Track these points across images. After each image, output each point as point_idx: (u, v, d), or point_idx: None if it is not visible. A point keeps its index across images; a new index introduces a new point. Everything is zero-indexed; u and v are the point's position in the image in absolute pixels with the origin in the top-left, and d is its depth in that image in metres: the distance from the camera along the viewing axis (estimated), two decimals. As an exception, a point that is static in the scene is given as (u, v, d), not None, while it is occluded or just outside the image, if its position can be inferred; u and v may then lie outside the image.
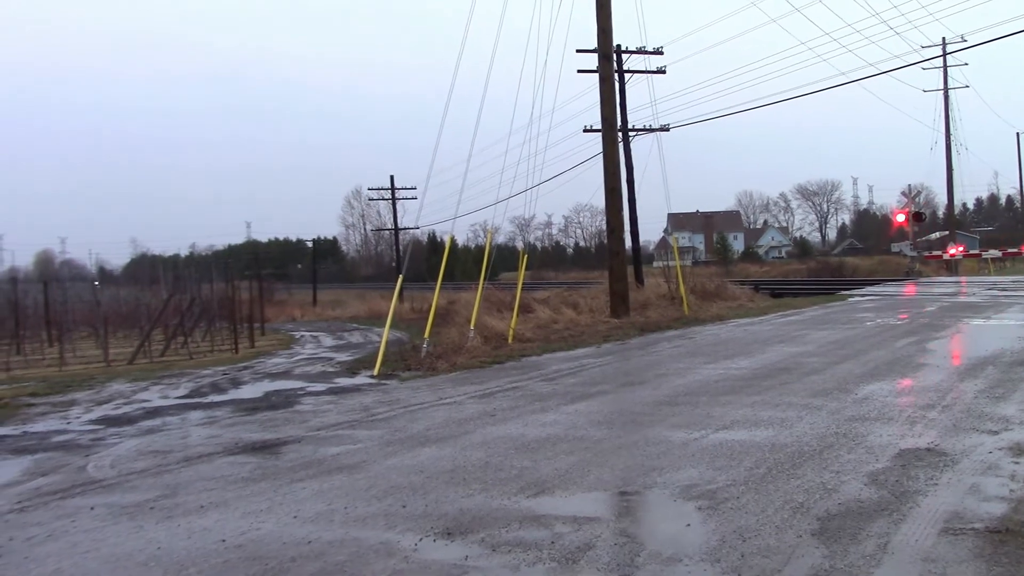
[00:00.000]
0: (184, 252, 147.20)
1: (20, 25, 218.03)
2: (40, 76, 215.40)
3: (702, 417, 8.87)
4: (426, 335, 17.19)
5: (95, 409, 11.99)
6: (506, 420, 9.33)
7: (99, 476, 7.51)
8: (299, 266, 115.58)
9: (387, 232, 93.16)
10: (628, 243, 31.84)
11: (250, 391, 13.38)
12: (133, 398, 13.05)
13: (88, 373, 17.57)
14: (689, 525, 5.32)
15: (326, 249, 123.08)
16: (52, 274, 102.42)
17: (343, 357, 19.09)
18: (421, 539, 5.26)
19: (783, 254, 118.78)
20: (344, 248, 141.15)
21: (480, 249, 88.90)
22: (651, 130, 36.17)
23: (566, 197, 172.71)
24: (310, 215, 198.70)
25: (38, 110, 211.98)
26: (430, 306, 18.75)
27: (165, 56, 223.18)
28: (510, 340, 18.62)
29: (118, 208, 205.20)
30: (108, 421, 10.79)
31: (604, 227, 28.70)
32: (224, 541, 5.39)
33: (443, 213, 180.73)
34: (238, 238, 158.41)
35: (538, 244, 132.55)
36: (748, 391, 10.47)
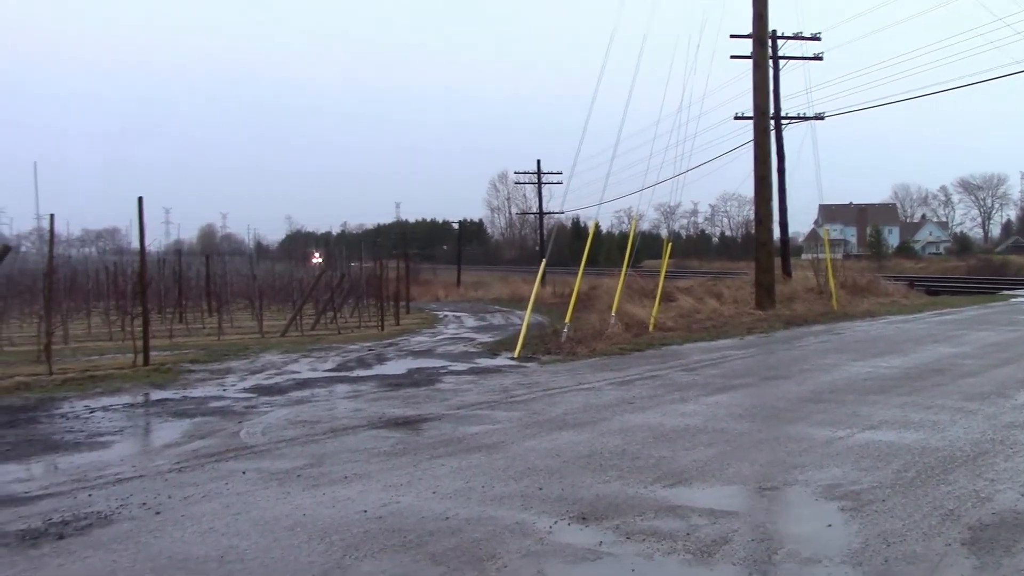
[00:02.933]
0: (335, 230, 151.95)
1: (195, 22, 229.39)
2: (207, 61, 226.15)
3: (848, 416, 8.60)
4: (567, 319, 17.21)
5: (249, 378, 12.52)
6: (645, 408, 9.27)
7: (251, 442, 7.85)
8: (444, 247, 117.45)
9: (532, 216, 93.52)
10: (776, 234, 30.99)
11: (394, 367, 13.70)
12: (284, 369, 13.56)
13: (243, 343, 18.35)
14: (830, 526, 5.16)
15: (471, 231, 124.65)
16: (213, 248, 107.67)
17: (484, 338, 19.31)
18: (556, 522, 5.29)
19: (941, 250, 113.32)
20: (489, 231, 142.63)
21: (624, 236, 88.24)
22: (805, 118, 35.05)
23: (713, 185, 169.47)
24: (456, 197, 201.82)
25: (206, 92, 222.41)
26: (572, 291, 18.76)
27: (322, 44, 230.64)
28: (651, 328, 18.45)
29: (276, 186, 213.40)
30: (261, 390, 11.26)
31: (752, 217, 28.08)
32: (366, 512, 5.55)
33: (588, 199, 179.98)
34: (387, 218, 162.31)
35: (683, 232, 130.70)
36: (898, 391, 10.08)
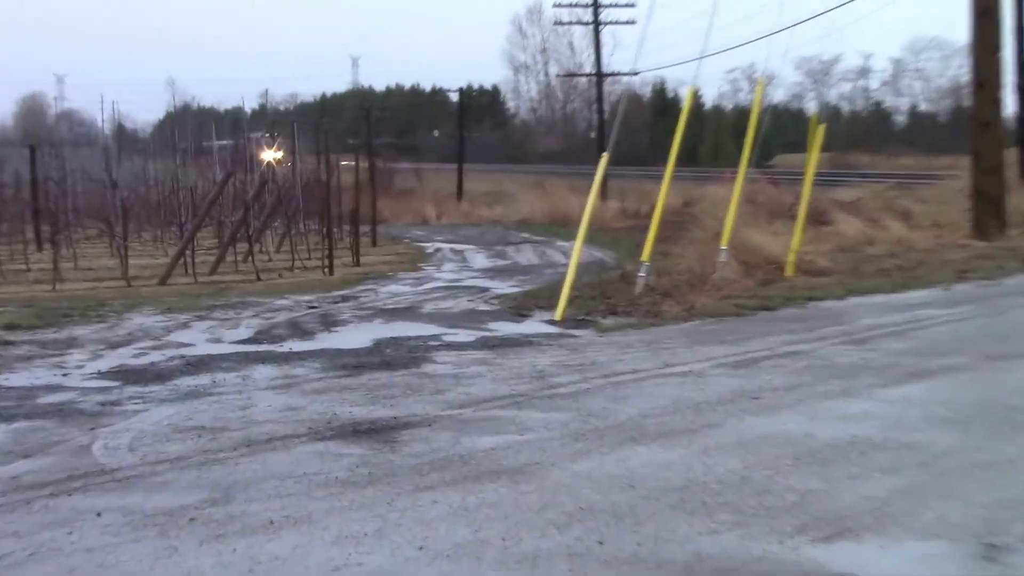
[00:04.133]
0: (251, 104, 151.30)
1: None
2: None
3: None
4: (644, 257, 17.08)
5: (106, 354, 12.56)
6: (778, 408, 9.26)
7: (111, 463, 7.84)
8: (436, 133, 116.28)
9: (584, 80, 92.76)
10: (1010, 108, 30.59)
11: (351, 337, 13.76)
12: (167, 339, 13.61)
13: (97, 296, 18.41)
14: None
15: (481, 106, 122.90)
16: (43, 134, 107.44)
17: (504, 287, 19.40)
18: (629, 601, 5.26)
19: None
20: (511, 105, 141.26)
21: (741, 113, 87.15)
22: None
23: (896, 26, 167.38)
24: (456, 50, 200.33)
25: None
26: (653, 208, 18.61)
27: None
28: (789, 271, 18.41)
29: (149, 37, 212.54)
30: (127, 375, 11.28)
31: (965, 79, 27.68)
32: (306, 582, 5.54)
33: (679, 51, 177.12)
34: (337, 84, 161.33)
35: (843, 106, 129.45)
36: None
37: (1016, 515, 6.42)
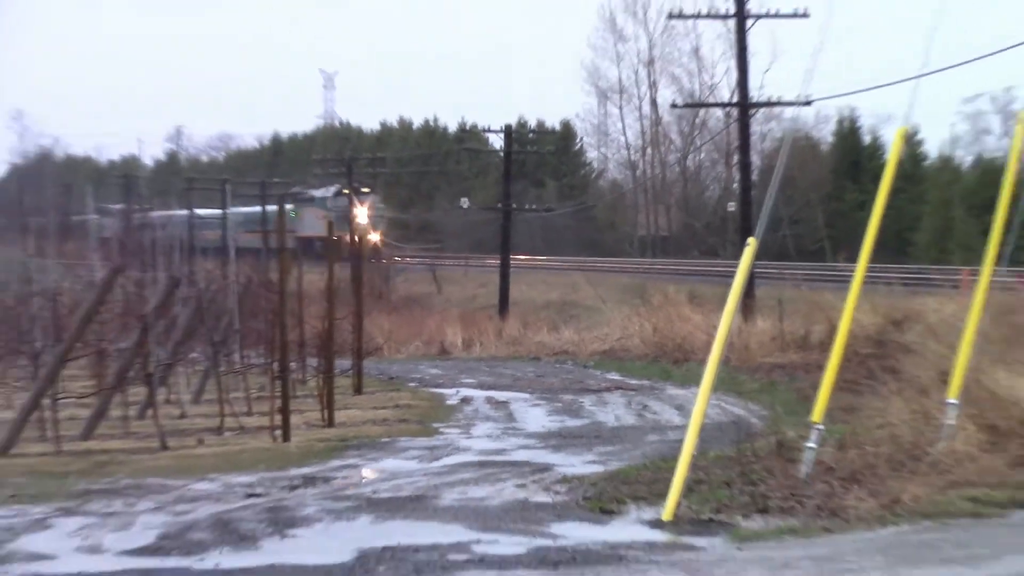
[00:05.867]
0: (153, 153, 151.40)
1: None
2: None
3: None
4: (816, 416, 16.88)
5: None
6: None
7: None
8: (464, 204, 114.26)
9: (717, 114, 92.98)
10: None
11: (320, 546, 13.88)
12: (9, 547, 13.72)
13: None
14: None
15: (542, 158, 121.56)
16: None
17: (576, 465, 19.57)
18: None
19: None
20: (592, 158, 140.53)
21: (987, 171, 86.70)
22: None
23: None
24: (504, 63, 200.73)
25: None
26: (832, 332, 18.57)
27: None
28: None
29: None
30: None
31: None
32: None
33: (881, 67, 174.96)
34: (297, 121, 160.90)
35: None
36: None
37: None
